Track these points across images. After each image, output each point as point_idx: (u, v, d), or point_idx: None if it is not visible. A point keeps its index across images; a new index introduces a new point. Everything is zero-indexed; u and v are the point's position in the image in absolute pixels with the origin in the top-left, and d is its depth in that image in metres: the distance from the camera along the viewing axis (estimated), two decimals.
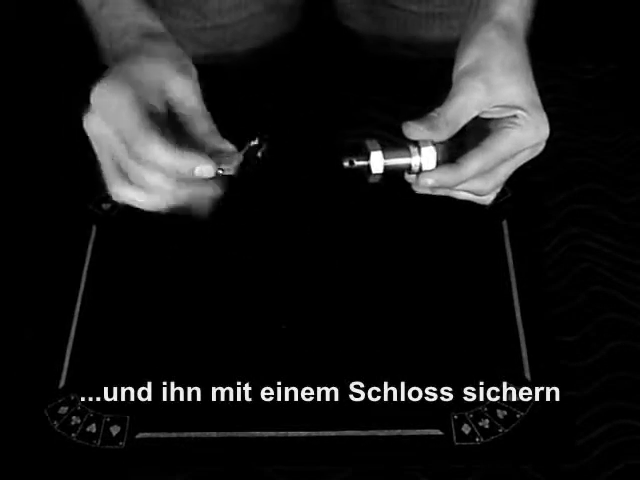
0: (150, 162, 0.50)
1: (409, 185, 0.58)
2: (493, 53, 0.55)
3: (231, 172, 0.53)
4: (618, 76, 0.80)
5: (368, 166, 0.54)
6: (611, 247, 0.69)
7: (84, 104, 0.52)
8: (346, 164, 0.54)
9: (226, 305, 0.67)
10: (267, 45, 0.90)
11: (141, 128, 0.49)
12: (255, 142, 0.54)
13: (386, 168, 0.54)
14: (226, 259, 0.69)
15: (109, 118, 0.50)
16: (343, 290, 0.67)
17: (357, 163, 0.54)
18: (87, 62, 0.84)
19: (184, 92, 0.53)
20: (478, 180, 0.55)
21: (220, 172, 0.52)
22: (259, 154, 0.54)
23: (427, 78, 0.55)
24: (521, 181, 0.73)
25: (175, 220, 0.71)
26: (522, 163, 0.56)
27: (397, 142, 0.55)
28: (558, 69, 0.81)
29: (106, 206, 0.73)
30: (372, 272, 0.68)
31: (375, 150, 0.54)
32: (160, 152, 0.49)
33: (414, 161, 0.54)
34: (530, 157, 0.56)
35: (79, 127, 0.78)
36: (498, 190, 0.58)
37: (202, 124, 0.54)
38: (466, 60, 0.55)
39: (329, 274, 0.68)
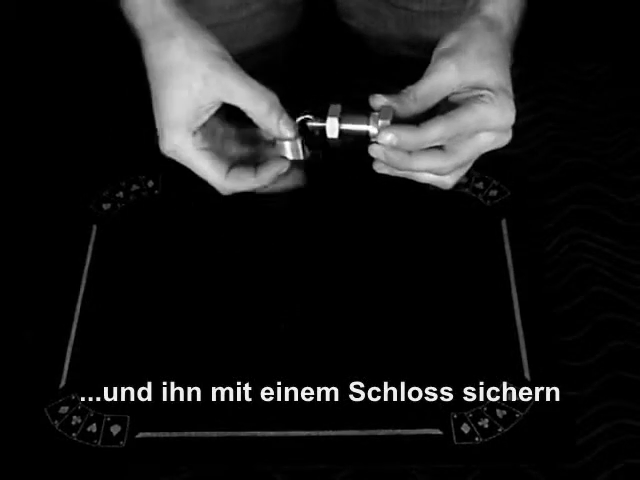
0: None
1: (408, 184, 0.58)
2: (471, 39, 0.56)
3: (300, 157, 0.58)
4: (618, 76, 0.80)
5: (324, 128, 0.56)
6: (611, 247, 0.69)
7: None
8: (309, 124, 0.56)
9: (226, 305, 0.67)
10: (268, 43, 0.90)
11: (218, 176, 0.56)
12: (299, 119, 0.56)
13: (343, 132, 0.55)
14: (226, 259, 0.69)
15: (190, 168, 0.57)
16: (343, 290, 0.67)
17: (315, 124, 0.56)
18: (88, 62, 0.85)
19: (217, 92, 0.54)
20: (439, 157, 0.55)
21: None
22: (314, 131, 0.56)
23: None
24: (521, 181, 0.73)
25: (176, 220, 0.72)
26: (486, 150, 0.56)
27: (365, 112, 0.56)
28: (557, 69, 0.81)
29: (106, 206, 0.73)
30: (372, 272, 0.68)
31: (333, 116, 0.55)
32: (244, 185, 0.57)
33: (371, 129, 0.55)
34: (495, 145, 0.56)
35: (79, 127, 0.78)
36: (461, 174, 0.58)
37: (259, 112, 0.55)
38: (445, 44, 0.56)
39: (329, 274, 0.68)
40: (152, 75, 0.56)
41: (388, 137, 0.53)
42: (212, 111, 0.55)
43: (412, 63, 0.81)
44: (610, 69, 0.80)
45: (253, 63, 0.60)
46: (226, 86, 0.54)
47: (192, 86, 0.54)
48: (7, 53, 0.87)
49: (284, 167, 0.57)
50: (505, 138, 0.56)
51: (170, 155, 0.57)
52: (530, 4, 0.61)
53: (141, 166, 0.75)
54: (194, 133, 0.55)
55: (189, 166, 0.57)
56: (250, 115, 0.55)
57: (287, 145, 0.57)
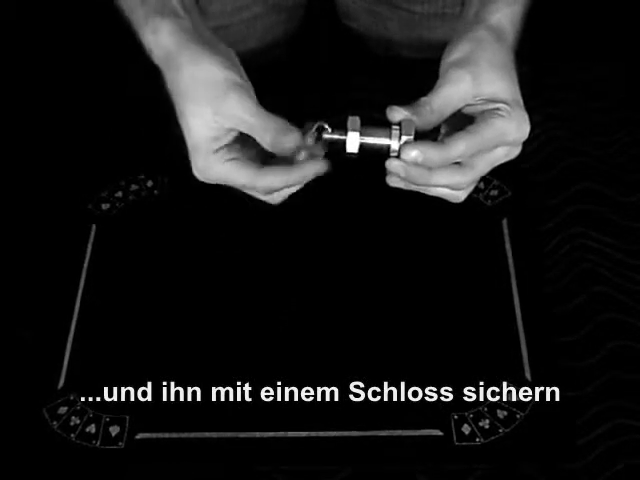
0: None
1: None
2: (481, 50, 0.55)
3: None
4: (618, 76, 0.80)
5: (344, 142, 0.54)
6: (611, 247, 0.69)
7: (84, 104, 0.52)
8: (326, 136, 0.54)
9: (226, 305, 0.67)
10: (269, 46, 0.90)
11: (255, 177, 0.55)
12: (316, 126, 0.54)
13: (363, 146, 0.54)
14: (226, 259, 0.69)
15: (226, 183, 0.57)
16: (343, 290, 0.67)
17: (333, 136, 0.54)
18: (88, 63, 0.85)
19: (226, 124, 0.54)
20: (457, 172, 0.54)
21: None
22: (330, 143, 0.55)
23: (430, 79, 0.55)
24: (521, 181, 0.73)
25: (175, 220, 0.72)
26: (498, 163, 0.56)
27: (382, 124, 0.54)
28: (558, 69, 0.81)
29: (105, 206, 0.73)
30: (372, 272, 0.68)
31: (354, 130, 0.54)
32: (280, 181, 0.55)
33: (393, 144, 0.53)
34: (506, 159, 0.56)
35: (79, 127, 0.78)
36: (472, 188, 0.58)
37: (265, 138, 0.54)
38: (454, 54, 0.56)
39: (329, 274, 0.68)
40: (174, 101, 0.56)
41: (413, 154, 0.52)
42: (231, 134, 0.55)
43: (414, 65, 0.82)
44: (610, 69, 0.80)
45: (254, 65, 0.60)
46: (233, 117, 0.54)
47: (203, 116, 0.54)
48: (7, 53, 0.87)
49: (322, 169, 0.55)
50: (516, 151, 0.56)
51: (203, 179, 0.57)
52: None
53: (141, 166, 0.75)
54: (215, 151, 0.55)
55: (223, 182, 0.56)
56: (260, 143, 0.55)
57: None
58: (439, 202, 0.61)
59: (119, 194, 0.74)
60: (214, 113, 0.54)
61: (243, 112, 0.54)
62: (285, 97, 0.80)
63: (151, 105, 0.78)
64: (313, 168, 0.55)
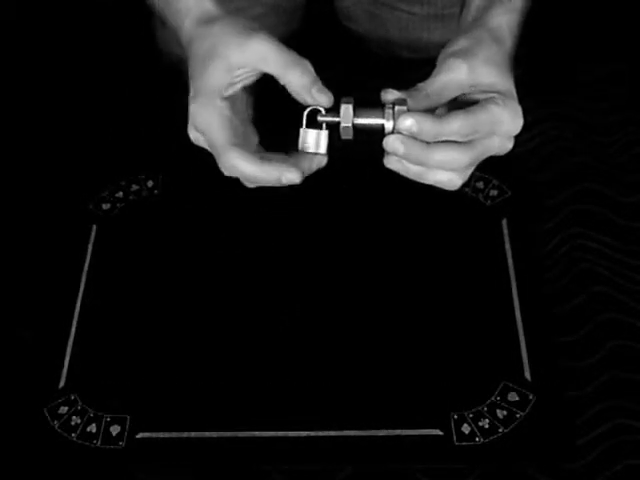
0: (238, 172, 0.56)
1: (408, 184, 0.57)
2: (479, 47, 0.56)
3: (321, 151, 0.56)
4: (618, 76, 0.80)
5: (335, 123, 0.55)
6: (611, 247, 0.69)
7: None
8: (320, 118, 0.55)
9: (226, 305, 0.67)
10: None
11: (227, 145, 0.55)
12: (309, 110, 0.55)
13: (357, 127, 0.54)
14: (226, 259, 0.69)
15: (204, 134, 0.56)
16: (343, 290, 0.67)
17: (327, 119, 0.55)
18: (88, 62, 0.85)
19: (252, 59, 0.55)
20: (455, 149, 0.54)
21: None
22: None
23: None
24: (521, 181, 0.73)
25: (176, 220, 0.72)
26: (490, 154, 0.56)
27: (377, 106, 0.55)
28: (558, 69, 0.81)
29: (106, 206, 0.73)
30: (372, 272, 0.68)
31: (347, 103, 0.54)
32: (245, 166, 0.55)
33: (387, 123, 0.54)
34: (498, 150, 0.56)
35: (79, 127, 0.79)
36: (468, 174, 0.57)
37: (292, 78, 0.55)
38: (454, 46, 0.57)
39: (329, 273, 0.68)
40: (194, 62, 0.57)
41: (408, 122, 0.52)
42: (247, 82, 0.56)
43: (413, 66, 0.82)
44: (610, 69, 0.81)
45: None
46: (261, 53, 0.54)
47: (228, 56, 0.55)
48: (7, 53, 0.87)
49: (322, 162, 0.56)
50: (509, 145, 0.56)
51: (192, 128, 0.56)
52: (532, 4, 0.61)
53: (141, 166, 0.75)
54: (222, 99, 0.55)
55: (202, 132, 0.56)
56: (283, 82, 0.55)
57: (312, 135, 0.56)
58: (439, 202, 0.61)
59: (120, 194, 0.74)
60: (241, 51, 0.54)
61: (269, 48, 0.54)
62: (285, 98, 0.80)
63: (151, 105, 0.79)
64: (310, 161, 0.56)
